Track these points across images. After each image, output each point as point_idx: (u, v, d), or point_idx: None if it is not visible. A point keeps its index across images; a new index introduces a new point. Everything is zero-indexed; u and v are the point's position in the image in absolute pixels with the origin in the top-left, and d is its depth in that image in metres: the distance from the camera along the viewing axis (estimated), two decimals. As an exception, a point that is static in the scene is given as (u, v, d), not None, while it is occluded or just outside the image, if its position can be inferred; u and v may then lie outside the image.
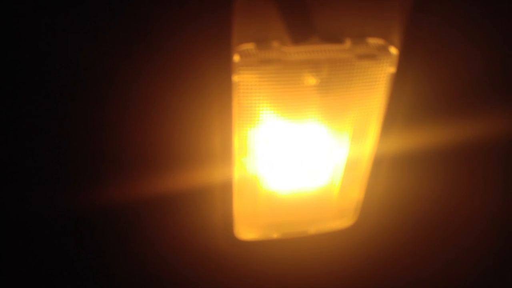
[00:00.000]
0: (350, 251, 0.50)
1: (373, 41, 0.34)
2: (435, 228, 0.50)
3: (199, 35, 0.31)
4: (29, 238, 0.41)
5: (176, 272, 0.47)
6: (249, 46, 0.32)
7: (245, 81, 0.33)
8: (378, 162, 0.41)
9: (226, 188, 0.40)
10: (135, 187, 0.39)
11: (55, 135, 0.34)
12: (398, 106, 0.37)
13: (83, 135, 0.35)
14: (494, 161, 0.45)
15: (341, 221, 0.46)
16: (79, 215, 0.40)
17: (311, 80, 0.34)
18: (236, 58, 0.32)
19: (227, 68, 0.32)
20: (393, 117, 0.38)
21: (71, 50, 0.30)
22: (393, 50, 0.34)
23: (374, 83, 0.35)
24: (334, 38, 0.33)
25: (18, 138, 0.34)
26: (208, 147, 0.37)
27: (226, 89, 0.33)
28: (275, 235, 0.45)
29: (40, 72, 0.31)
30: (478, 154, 0.44)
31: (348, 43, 0.34)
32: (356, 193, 0.44)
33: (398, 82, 0.36)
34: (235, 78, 0.32)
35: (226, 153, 0.37)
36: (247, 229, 0.44)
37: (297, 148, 0.39)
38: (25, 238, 0.41)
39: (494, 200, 0.49)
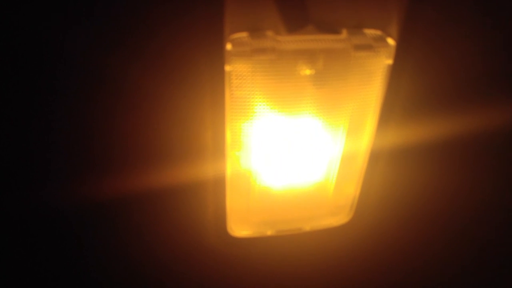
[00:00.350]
0: (346, 248, 0.49)
1: (370, 32, 0.33)
2: (432, 225, 0.50)
3: (191, 23, 0.30)
4: (22, 234, 0.40)
5: (167, 269, 0.47)
6: (242, 35, 0.31)
7: (238, 71, 0.32)
8: (374, 157, 0.40)
9: (219, 184, 0.39)
10: (125, 183, 0.38)
11: (46, 131, 0.34)
12: (395, 99, 0.37)
13: (73, 129, 0.34)
14: (493, 155, 0.45)
15: (337, 218, 0.45)
16: (70, 210, 0.39)
17: (306, 70, 0.33)
18: (228, 46, 0.31)
19: (220, 58, 0.31)
20: (390, 111, 0.37)
21: (63, 44, 0.29)
22: (391, 41, 0.34)
23: (371, 75, 0.35)
24: (330, 28, 0.33)
25: (12, 134, 0.33)
26: (199, 140, 0.36)
27: (218, 80, 0.32)
28: (268, 232, 0.44)
29: (32, 68, 0.30)
30: (477, 148, 0.43)
31: (344, 34, 0.33)
32: (352, 189, 0.43)
33: (395, 74, 0.35)
34: (228, 67, 0.32)
35: (218, 147, 0.36)
36: (240, 225, 0.43)
37: (292, 142, 0.38)
38: (19, 234, 0.40)
39: (492, 195, 0.48)
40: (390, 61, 0.34)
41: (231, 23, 0.31)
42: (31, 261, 0.42)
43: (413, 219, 0.48)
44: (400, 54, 0.34)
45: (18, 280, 0.44)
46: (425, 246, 0.52)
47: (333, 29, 0.33)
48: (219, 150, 0.36)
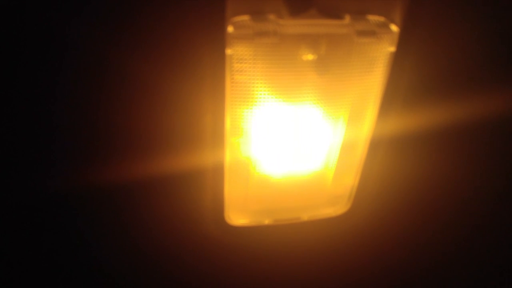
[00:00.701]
0: (343, 239, 0.49)
1: (374, 18, 0.33)
2: (430, 215, 0.50)
3: (193, 6, 0.29)
4: (21, 220, 0.40)
5: (165, 257, 0.46)
6: (244, 18, 0.31)
7: (239, 55, 0.31)
8: (374, 146, 0.40)
9: (217, 171, 0.38)
10: (122, 170, 0.38)
11: (46, 118, 0.33)
12: (397, 87, 0.36)
13: (73, 115, 0.33)
14: (493, 145, 0.44)
15: (335, 208, 0.45)
16: (70, 197, 0.38)
17: (308, 55, 0.32)
18: (230, 29, 0.30)
19: (221, 41, 0.31)
20: (391, 99, 0.37)
21: (62, 31, 0.29)
22: (394, 28, 0.33)
23: (373, 62, 0.34)
24: (333, 13, 0.32)
25: (11, 122, 0.33)
26: (198, 126, 0.36)
27: (219, 64, 0.32)
28: (266, 221, 0.44)
29: (32, 55, 0.30)
30: (477, 138, 0.43)
31: (347, 19, 0.32)
32: (351, 179, 0.43)
33: (397, 62, 0.35)
34: (229, 51, 0.31)
35: (217, 133, 0.36)
36: (238, 214, 0.43)
37: (292, 129, 0.38)
38: (17, 221, 0.40)
39: (492, 185, 0.48)
40: (392, 48, 0.34)
41: (233, 6, 0.30)
42: (35, 250, 0.42)
43: (412, 210, 0.48)
44: (403, 42, 0.34)
45: (22, 271, 0.44)
46: (423, 236, 0.52)
47: (336, 14, 0.32)
48: (218, 136, 0.36)
